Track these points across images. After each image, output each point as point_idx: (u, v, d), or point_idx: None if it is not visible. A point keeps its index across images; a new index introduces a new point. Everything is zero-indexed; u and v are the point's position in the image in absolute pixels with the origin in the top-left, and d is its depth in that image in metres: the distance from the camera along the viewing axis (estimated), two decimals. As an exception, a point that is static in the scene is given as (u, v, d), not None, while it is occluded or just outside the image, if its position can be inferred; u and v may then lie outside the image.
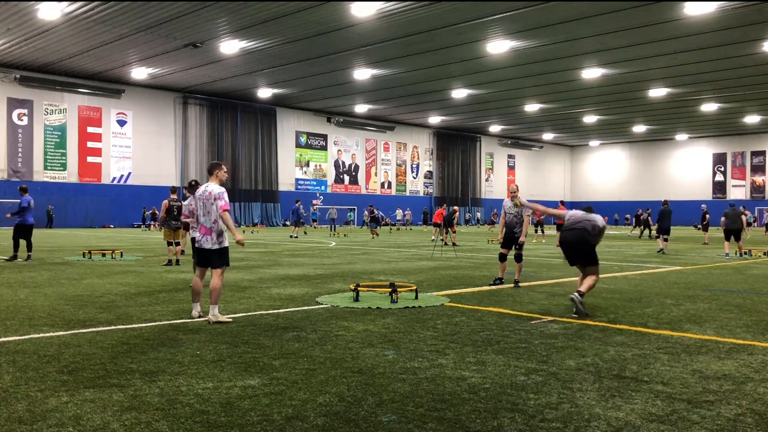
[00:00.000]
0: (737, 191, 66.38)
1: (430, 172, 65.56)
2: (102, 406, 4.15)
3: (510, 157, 73.18)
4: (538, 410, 4.15)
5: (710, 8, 27.05)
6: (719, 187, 68.06)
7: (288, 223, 49.58)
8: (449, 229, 25.14)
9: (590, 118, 57.21)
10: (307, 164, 55.96)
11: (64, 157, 42.21)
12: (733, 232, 19.54)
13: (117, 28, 30.42)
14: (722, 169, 68.35)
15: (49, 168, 41.57)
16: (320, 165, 56.81)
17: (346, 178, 58.87)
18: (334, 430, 3.76)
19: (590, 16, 28.24)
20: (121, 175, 44.96)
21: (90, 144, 43.35)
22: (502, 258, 11.11)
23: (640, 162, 73.88)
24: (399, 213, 54.52)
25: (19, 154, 40.39)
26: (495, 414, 4.07)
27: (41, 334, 6.45)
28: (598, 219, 8.40)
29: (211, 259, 7.38)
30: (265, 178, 52.20)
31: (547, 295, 9.90)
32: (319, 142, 56.43)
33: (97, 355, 5.56)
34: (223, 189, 7.41)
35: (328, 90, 45.41)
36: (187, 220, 10.58)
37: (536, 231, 30.37)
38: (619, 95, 46.04)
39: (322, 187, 56.72)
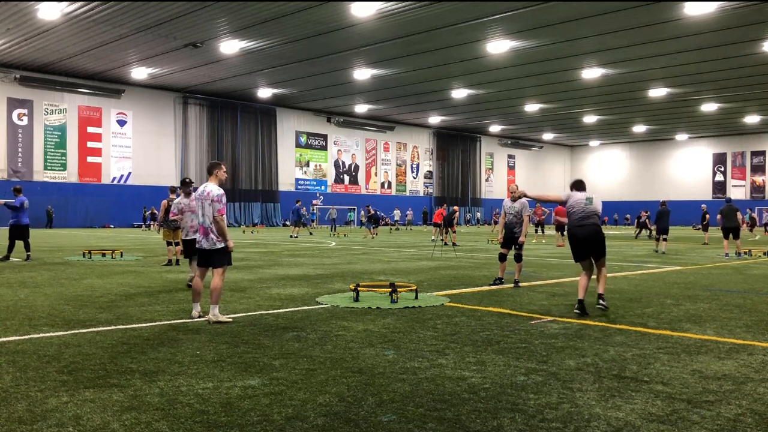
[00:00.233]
0: (737, 191, 66.37)
1: (430, 172, 65.57)
2: (102, 406, 4.15)
3: (510, 157, 73.20)
4: (538, 410, 4.15)
5: (710, 8, 27.06)
6: (719, 187, 68.06)
7: (288, 223, 49.57)
8: (449, 229, 25.14)
9: (590, 118, 57.21)
10: (307, 164, 55.97)
11: (64, 157, 42.22)
12: (731, 230, 19.24)
13: (117, 28, 30.42)
14: (722, 169, 68.36)
15: (49, 168, 41.58)
16: (320, 165, 56.82)
17: (346, 178, 58.88)
18: (334, 430, 3.76)
19: (590, 16, 28.25)
20: (121, 175, 44.96)
21: (90, 144, 43.36)
22: (502, 258, 11.10)
23: (640, 162, 73.90)
24: (397, 213, 54.49)
25: (19, 154, 40.40)
26: (495, 414, 4.07)
27: (41, 334, 6.45)
28: (599, 204, 8.43)
29: (212, 258, 7.36)
30: (265, 178, 52.21)
31: (547, 295, 9.90)
32: (319, 142, 56.44)
33: (97, 355, 5.56)
34: (222, 191, 7.38)
35: (328, 90, 45.42)
36: (176, 217, 10.52)
37: (536, 231, 30.37)
38: (619, 95, 46.04)
39: (322, 187, 56.73)
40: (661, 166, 72.30)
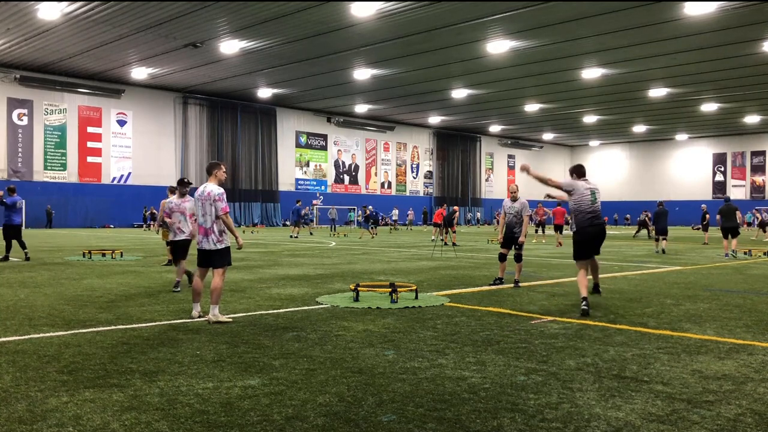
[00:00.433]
0: (737, 191, 66.37)
1: (430, 172, 65.58)
2: (102, 406, 4.15)
3: (510, 157, 73.21)
4: (538, 410, 4.15)
5: (710, 8, 27.06)
6: (719, 187, 68.05)
7: (288, 223, 49.57)
8: (449, 229, 25.14)
9: (590, 118, 57.21)
10: (307, 164, 55.96)
11: (64, 157, 42.22)
12: (730, 230, 19.14)
13: (117, 28, 30.42)
14: (722, 169, 68.36)
15: (49, 168, 41.57)
16: (320, 165, 56.82)
17: (346, 178, 58.87)
18: (334, 430, 3.76)
19: (590, 16, 28.25)
20: (121, 175, 44.96)
21: (90, 144, 43.36)
22: (502, 258, 11.10)
23: (640, 162, 73.90)
24: (395, 213, 54.42)
25: (19, 154, 40.40)
26: (495, 414, 4.07)
27: (41, 334, 6.45)
28: (599, 200, 8.59)
29: (213, 259, 7.37)
30: (265, 178, 52.20)
31: (547, 295, 9.90)
32: (319, 142, 56.44)
33: (97, 355, 5.56)
34: (222, 190, 7.39)
35: (328, 90, 45.42)
36: (168, 220, 10.38)
37: (537, 231, 30.37)
38: (619, 95, 46.04)
39: (322, 187, 56.73)
40: (661, 166, 72.30)
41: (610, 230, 50.20)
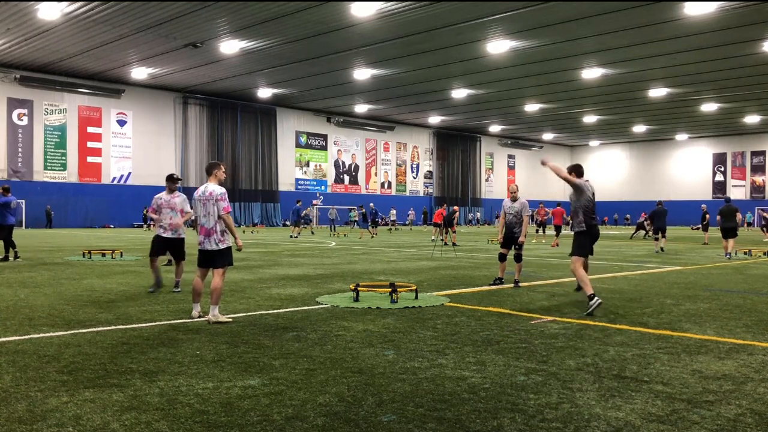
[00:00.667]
0: (737, 191, 66.38)
1: (430, 172, 65.58)
2: (102, 406, 4.15)
3: (510, 157, 73.21)
4: (538, 410, 4.14)
5: (710, 8, 27.06)
6: (719, 187, 68.07)
7: (288, 223, 49.58)
8: (449, 229, 25.14)
9: (590, 118, 57.22)
10: (307, 164, 55.97)
11: (64, 157, 42.23)
12: (730, 230, 19.08)
13: (117, 28, 30.43)
14: (722, 169, 68.36)
15: (49, 168, 41.58)
16: (320, 165, 56.83)
17: (346, 178, 58.88)
18: (334, 430, 3.76)
19: (590, 16, 28.25)
20: (121, 175, 44.97)
21: (90, 144, 43.38)
22: (502, 258, 11.10)
23: (640, 162, 73.90)
24: (393, 213, 54.37)
25: (19, 154, 40.40)
26: (495, 414, 4.07)
27: (41, 334, 6.45)
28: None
29: (215, 259, 7.37)
30: (265, 178, 52.21)
31: (547, 295, 9.90)
32: (319, 142, 56.45)
33: (97, 355, 5.56)
34: (223, 190, 7.40)
35: (328, 90, 45.42)
36: (153, 215, 10.20)
37: (537, 231, 30.36)
38: (619, 95, 46.05)
39: (322, 187, 56.74)
40: (661, 166, 72.30)
41: (610, 230, 50.43)
